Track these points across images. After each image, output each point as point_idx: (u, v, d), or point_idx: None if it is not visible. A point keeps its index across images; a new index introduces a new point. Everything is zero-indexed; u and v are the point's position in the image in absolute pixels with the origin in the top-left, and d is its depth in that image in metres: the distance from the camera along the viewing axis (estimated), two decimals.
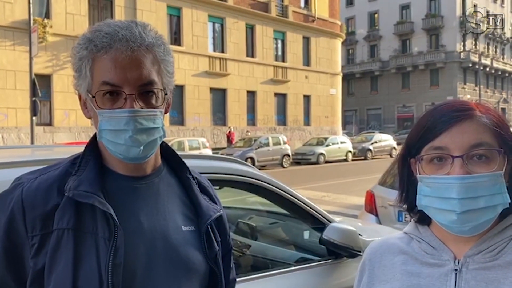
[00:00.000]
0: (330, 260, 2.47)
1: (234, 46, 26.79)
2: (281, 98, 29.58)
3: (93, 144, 1.08)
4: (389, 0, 49.92)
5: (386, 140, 29.08)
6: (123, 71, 0.98)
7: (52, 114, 19.66)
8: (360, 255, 2.32)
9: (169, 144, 1.22)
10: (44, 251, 0.97)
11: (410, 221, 1.11)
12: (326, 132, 31.25)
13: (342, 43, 36.26)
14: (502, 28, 46.77)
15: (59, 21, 19.70)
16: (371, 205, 5.12)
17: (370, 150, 27.39)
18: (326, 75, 32.14)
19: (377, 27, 51.78)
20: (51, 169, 1.07)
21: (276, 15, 28.95)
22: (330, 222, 2.52)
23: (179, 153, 1.21)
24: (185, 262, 1.06)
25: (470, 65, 46.84)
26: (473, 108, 0.96)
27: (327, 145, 24.64)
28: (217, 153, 19.11)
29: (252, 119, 27.96)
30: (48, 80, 19.32)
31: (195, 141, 20.25)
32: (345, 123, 46.87)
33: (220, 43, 26.49)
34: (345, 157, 25.52)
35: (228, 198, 2.98)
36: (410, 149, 1.01)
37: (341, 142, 25.99)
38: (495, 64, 51.69)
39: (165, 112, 1.08)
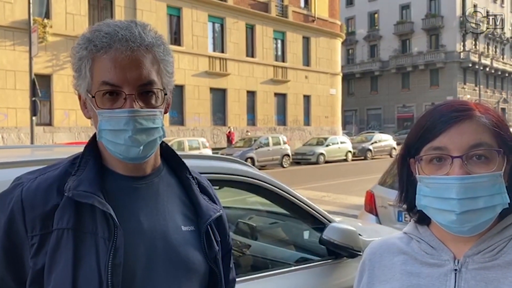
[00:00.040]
0: (330, 260, 2.47)
1: (234, 46, 26.79)
2: (281, 98, 29.59)
3: (92, 144, 1.08)
4: (389, 0, 49.92)
5: (386, 140, 29.09)
6: (123, 71, 0.98)
7: (52, 114, 19.66)
8: (360, 255, 2.33)
9: (169, 144, 1.22)
10: (43, 251, 0.97)
11: (410, 221, 1.11)
12: (326, 132, 31.25)
13: (342, 43, 36.26)
14: (502, 28, 46.81)
15: (59, 21, 19.70)
16: (371, 205, 5.12)
17: (370, 150, 27.39)
18: (326, 75, 32.14)
19: (377, 27, 51.79)
20: (51, 169, 1.07)
21: (276, 15, 28.95)
22: (330, 222, 2.52)
23: (179, 153, 1.21)
24: (185, 262, 1.06)
25: (470, 65, 46.84)
26: (473, 108, 0.96)
27: (327, 145, 24.64)
28: (217, 153, 19.11)
29: (252, 119, 27.96)
30: (48, 80, 19.32)
31: (195, 141, 20.25)
32: (345, 123, 46.88)
33: (220, 43, 26.49)
34: (345, 157, 25.53)
35: (228, 198, 2.98)
36: (409, 149, 1.01)
37: (341, 142, 26.00)
38: (495, 64, 51.70)
39: (165, 112, 1.08)
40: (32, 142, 14.76)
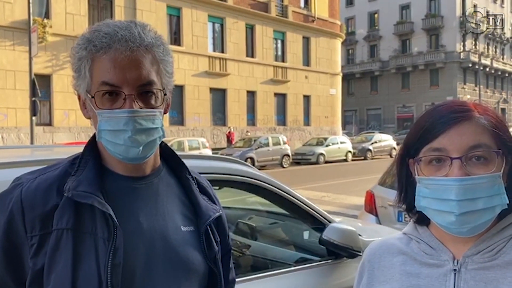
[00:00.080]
0: (329, 260, 2.47)
1: (234, 46, 26.79)
2: (281, 98, 29.59)
3: (92, 144, 1.08)
4: (389, 0, 49.92)
5: (386, 140, 29.09)
6: (122, 71, 0.98)
7: (51, 114, 19.66)
8: (359, 255, 2.33)
9: (169, 144, 1.22)
10: (43, 251, 0.97)
11: (410, 221, 1.11)
12: (326, 132, 31.25)
13: (342, 43, 36.26)
14: (502, 28, 46.82)
15: (59, 21, 19.70)
16: (371, 205, 5.12)
17: (370, 150, 27.39)
18: (326, 75, 32.14)
19: (377, 27, 51.79)
20: (51, 169, 1.07)
21: (276, 15, 28.95)
22: (330, 222, 2.52)
23: (178, 153, 1.21)
24: (184, 263, 1.06)
25: (470, 65, 46.84)
26: (472, 109, 0.96)
27: (327, 145, 24.65)
28: (217, 153, 19.12)
29: (252, 119, 27.96)
30: (47, 80, 19.32)
31: (195, 141, 20.25)
32: (345, 123, 46.88)
33: (220, 43, 26.49)
34: (345, 157, 25.53)
35: (227, 198, 2.98)
36: (408, 149, 1.02)
37: (341, 142, 26.00)
38: (495, 64, 51.70)
39: (165, 113, 1.08)
40: (32, 142, 14.76)
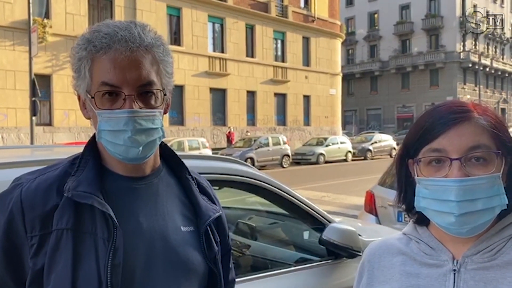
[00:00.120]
0: (329, 261, 2.47)
1: (234, 46, 26.80)
2: (281, 98, 29.59)
3: (92, 145, 1.09)
4: (389, 0, 49.92)
5: (386, 140, 29.09)
6: (122, 72, 0.98)
7: (51, 114, 19.66)
8: (359, 255, 2.33)
9: (169, 144, 1.22)
10: (43, 251, 0.97)
11: (409, 221, 1.11)
12: (326, 132, 31.25)
13: (342, 43, 36.26)
14: (502, 28, 46.81)
15: (59, 21, 19.70)
16: (371, 205, 5.12)
17: (370, 150, 27.39)
18: (326, 75, 32.15)
19: (377, 27, 51.79)
20: (51, 169, 1.07)
21: (276, 15, 28.95)
22: (329, 222, 2.52)
23: (178, 153, 1.21)
24: (184, 263, 1.06)
25: (470, 65, 46.85)
26: (471, 109, 0.96)
27: (327, 145, 24.65)
28: (216, 153, 19.12)
29: (252, 119, 27.96)
30: (47, 80, 19.32)
31: (195, 141, 20.26)
32: (345, 123, 46.88)
33: (220, 43, 26.49)
34: (344, 157, 25.53)
35: (227, 198, 2.98)
36: (408, 150, 1.02)
37: (341, 142, 26.00)
38: (494, 64, 51.69)
39: (164, 113, 1.08)
40: (32, 142, 14.76)
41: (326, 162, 24.05)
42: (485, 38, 50.49)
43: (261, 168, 19.93)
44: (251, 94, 27.80)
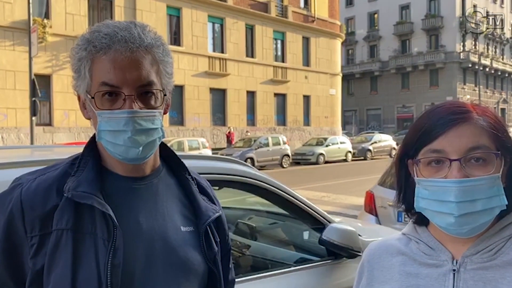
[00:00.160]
0: (329, 261, 2.47)
1: (234, 46, 26.80)
2: (281, 98, 29.59)
3: (92, 145, 1.09)
4: (389, 0, 49.92)
5: (385, 141, 29.10)
6: (122, 72, 0.98)
7: (51, 114, 19.66)
8: (359, 255, 2.33)
9: (169, 144, 1.23)
10: (43, 251, 0.97)
11: (409, 221, 1.11)
12: (325, 132, 31.25)
13: (342, 43, 36.25)
14: (502, 28, 46.77)
15: (59, 21, 19.70)
16: (370, 206, 5.12)
17: (369, 150, 27.40)
18: (325, 76, 32.15)
19: (376, 28, 51.79)
20: (51, 169, 1.07)
21: (276, 15, 28.95)
22: (329, 222, 2.52)
23: (178, 153, 1.21)
24: (184, 263, 1.07)
25: (470, 65, 46.85)
26: (470, 110, 0.96)
27: (326, 145, 24.65)
28: (216, 153, 19.12)
29: (251, 119, 27.96)
30: (47, 80, 19.32)
31: (195, 142, 20.25)
32: (345, 124, 46.87)
33: (219, 43, 26.49)
34: (344, 158, 25.54)
35: (227, 198, 2.98)
36: (407, 150, 1.02)
37: (341, 143, 26.01)
38: (494, 65, 51.69)
39: (164, 113, 1.08)
40: (32, 142, 14.75)
41: (326, 162, 24.05)
42: (485, 38, 50.49)
43: (261, 168, 19.93)
44: (251, 94, 27.80)
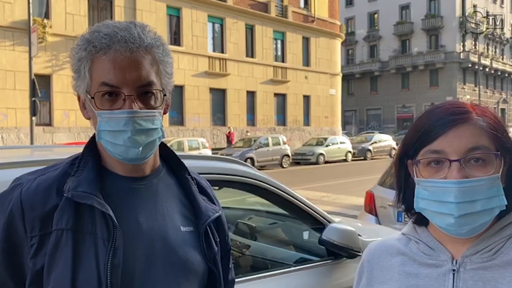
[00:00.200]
0: (329, 261, 2.47)
1: (234, 46, 26.80)
2: (281, 98, 29.59)
3: (92, 145, 1.09)
4: (389, 0, 49.91)
5: (385, 141, 29.10)
6: (122, 72, 0.98)
7: (51, 114, 19.66)
8: (359, 255, 2.33)
9: (169, 144, 1.23)
10: (43, 251, 0.97)
11: (409, 221, 1.11)
12: (325, 132, 31.25)
13: (342, 43, 36.25)
14: (502, 29, 46.74)
15: (59, 21, 19.70)
16: (370, 206, 5.12)
17: (369, 150, 27.40)
18: (325, 76, 32.14)
19: (376, 28, 51.79)
20: (50, 169, 1.07)
21: (276, 15, 28.95)
22: (329, 222, 2.52)
23: (178, 153, 1.22)
24: (183, 263, 1.07)
25: (470, 65, 46.85)
26: (470, 111, 0.96)
27: (326, 146, 24.65)
28: (216, 153, 19.12)
29: (251, 119, 27.96)
30: (47, 80, 19.32)
31: (195, 142, 20.25)
32: (345, 124, 46.87)
33: (219, 43, 26.48)
34: (344, 158, 25.54)
35: (227, 198, 2.98)
36: (407, 150, 1.02)
37: (341, 143, 26.01)
38: (494, 65, 51.69)
39: (164, 113, 1.08)
40: (31, 142, 14.75)
41: (326, 162, 24.05)
42: (485, 38, 50.49)
43: (261, 168, 19.93)
44: (251, 94, 27.80)
